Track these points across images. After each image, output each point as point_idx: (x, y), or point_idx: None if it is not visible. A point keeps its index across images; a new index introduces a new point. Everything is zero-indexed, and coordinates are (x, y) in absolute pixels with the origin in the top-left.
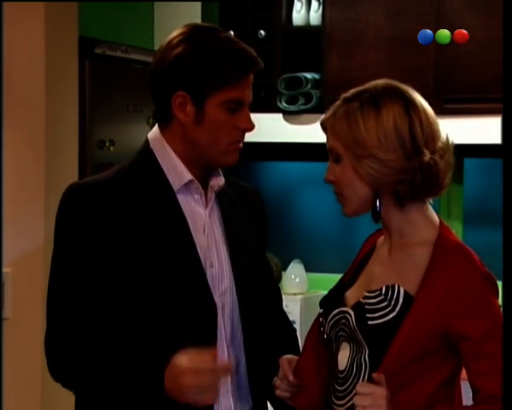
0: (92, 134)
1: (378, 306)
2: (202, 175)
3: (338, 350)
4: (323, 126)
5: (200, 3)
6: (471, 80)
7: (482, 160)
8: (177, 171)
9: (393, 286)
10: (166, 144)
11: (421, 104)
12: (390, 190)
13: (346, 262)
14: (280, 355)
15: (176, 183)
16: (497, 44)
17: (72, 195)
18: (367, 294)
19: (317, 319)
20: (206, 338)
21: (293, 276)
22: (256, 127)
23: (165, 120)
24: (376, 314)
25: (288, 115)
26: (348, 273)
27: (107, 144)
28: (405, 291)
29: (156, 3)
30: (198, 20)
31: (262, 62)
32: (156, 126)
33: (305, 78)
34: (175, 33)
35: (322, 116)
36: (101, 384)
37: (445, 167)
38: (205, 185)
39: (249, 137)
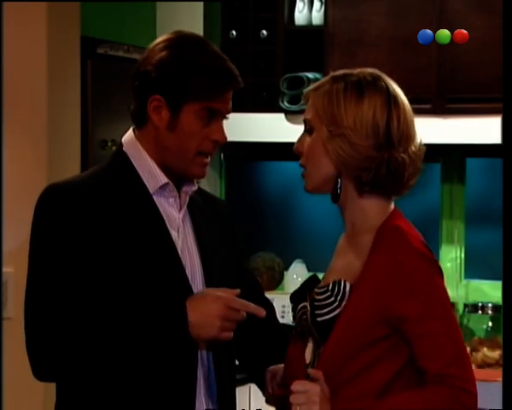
0: (94, 134)
1: (325, 302)
2: (175, 180)
3: (306, 344)
4: (306, 97)
5: (202, 3)
6: (473, 80)
7: (484, 159)
8: (152, 174)
9: (340, 282)
10: (141, 148)
11: (402, 102)
12: (353, 174)
13: None
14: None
15: (151, 185)
16: (500, 44)
17: (49, 196)
18: (317, 290)
19: None
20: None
21: (295, 276)
22: (258, 127)
23: (140, 121)
24: (324, 311)
25: (290, 115)
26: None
27: (109, 144)
28: (351, 286)
29: (158, 3)
30: (200, 20)
31: (242, 82)
32: (130, 130)
33: (307, 77)
34: (164, 37)
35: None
36: (112, 358)
37: (412, 170)
38: (178, 190)
39: (251, 136)
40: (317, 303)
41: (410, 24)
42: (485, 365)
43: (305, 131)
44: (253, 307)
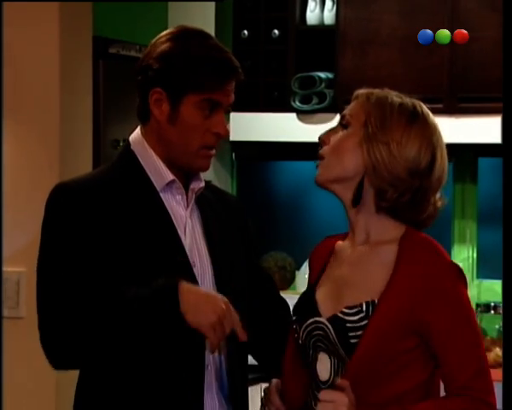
0: (106, 134)
1: (360, 324)
2: (182, 177)
3: (315, 359)
4: (356, 96)
5: (213, 3)
6: (486, 79)
7: (497, 159)
8: (158, 171)
9: (373, 302)
10: (147, 145)
11: (443, 144)
12: (377, 185)
13: None
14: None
15: (158, 183)
16: None
17: (58, 194)
18: (346, 310)
19: (291, 328)
20: (193, 336)
21: (306, 275)
22: (269, 127)
23: (144, 116)
24: (359, 333)
25: (302, 115)
26: (312, 279)
27: (121, 144)
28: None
29: (170, 3)
30: (212, 19)
31: (243, 74)
32: (137, 129)
33: (319, 77)
34: (167, 31)
35: (337, 116)
36: (115, 337)
37: (433, 212)
38: (185, 188)
39: (263, 136)
40: (349, 325)
41: (422, 23)
42: (497, 365)
43: (339, 124)
44: (239, 327)
